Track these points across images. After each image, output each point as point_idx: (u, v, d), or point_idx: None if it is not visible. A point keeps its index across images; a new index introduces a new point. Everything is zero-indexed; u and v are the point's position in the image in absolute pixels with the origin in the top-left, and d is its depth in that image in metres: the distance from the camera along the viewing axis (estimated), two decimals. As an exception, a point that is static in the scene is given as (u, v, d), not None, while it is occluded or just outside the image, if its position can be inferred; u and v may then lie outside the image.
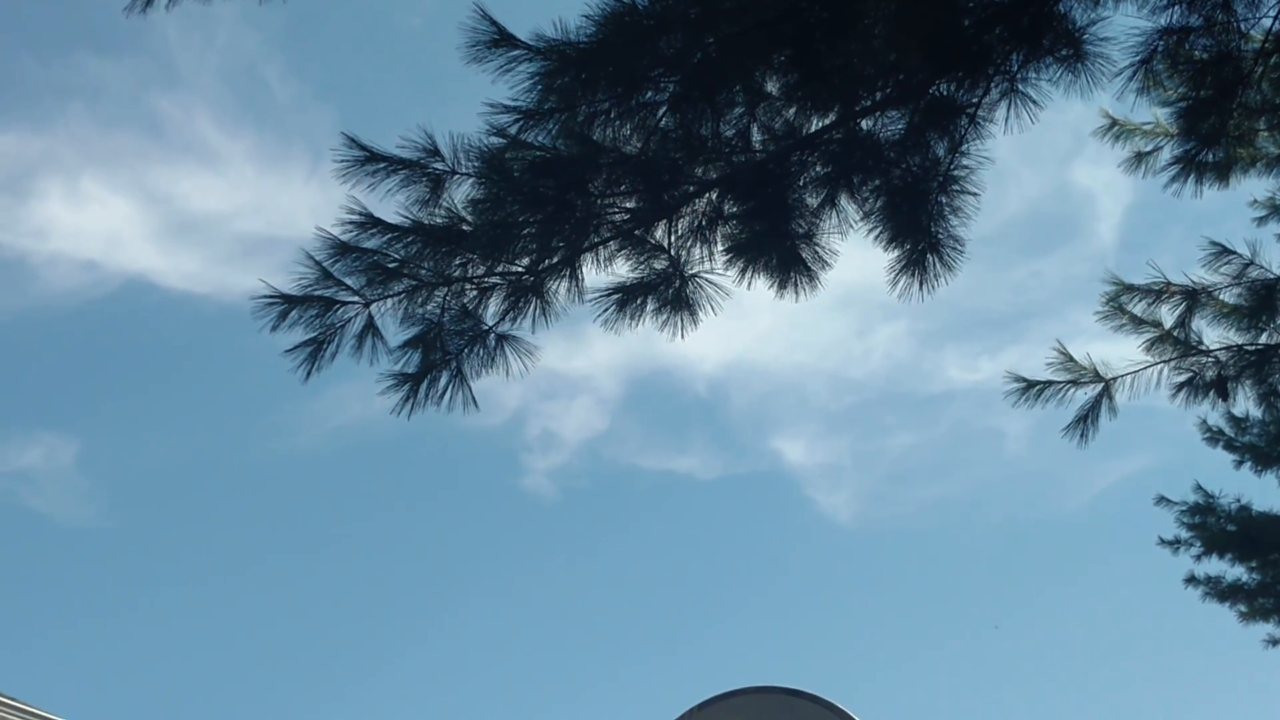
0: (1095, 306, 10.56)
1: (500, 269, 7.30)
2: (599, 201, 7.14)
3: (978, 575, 41.46)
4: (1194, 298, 10.32)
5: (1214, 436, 16.59)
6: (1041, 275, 37.95)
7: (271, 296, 7.23)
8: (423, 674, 37.37)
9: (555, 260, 7.26)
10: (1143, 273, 10.43)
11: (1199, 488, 16.97)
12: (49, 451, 36.78)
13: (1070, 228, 37.61)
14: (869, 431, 41.84)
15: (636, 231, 7.27)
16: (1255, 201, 11.11)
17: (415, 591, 39.58)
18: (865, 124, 7.13)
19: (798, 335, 38.96)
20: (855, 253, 7.53)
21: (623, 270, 7.38)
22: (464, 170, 7.00)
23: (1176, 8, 6.64)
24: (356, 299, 7.29)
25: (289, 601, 38.26)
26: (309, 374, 7.34)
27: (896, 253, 7.37)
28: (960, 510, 41.02)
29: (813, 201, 7.26)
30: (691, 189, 7.18)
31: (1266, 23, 6.85)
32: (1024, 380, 10.34)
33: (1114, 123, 10.38)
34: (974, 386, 37.93)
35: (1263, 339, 10.30)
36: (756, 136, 7.14)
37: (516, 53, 6.69)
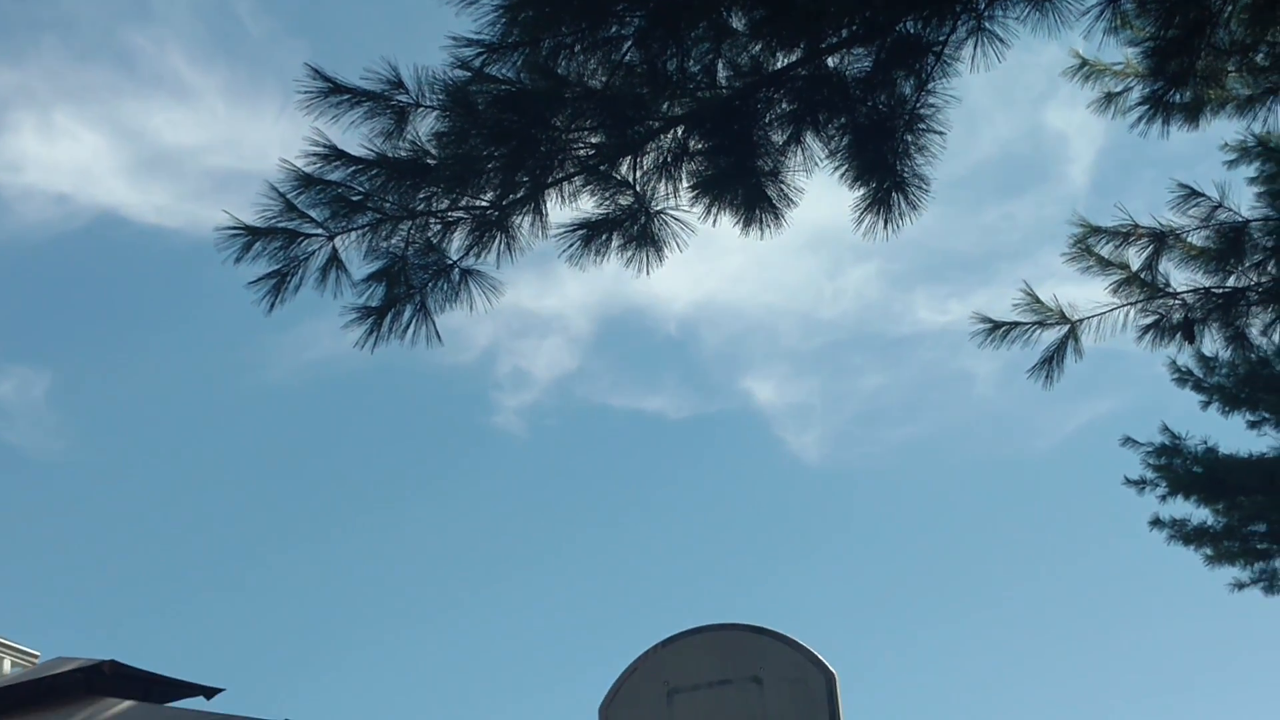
0: (1065, 249, 10.56)
1: (464, 203, 7.28)
2: (563, 136, 7.12)
3: (945, 515, 41.68)
4: (1162, 240, 10.32)
5: (1183, 377, 16.64)
6: (1013, 217, 38.01)
7: (235, 228, 7.21)
8: (388, 602, 37.49)
9: (519, 195, 7.24)
10: (1113, 215, 10.44)
11: (1166, 429, 17.01)
12: (21, 384, 36.73)
13: (1042, 170, 37.65)
14: (839, 372, 41.96)
15: (601, 167, 7.26)
16: (1226, 145, 11.10)
17: (384, 526, 39.66)
18: (831, 61, 7.11)
19: (769, 276, 39.00)
20: (826, 193, 7.52)
21: (588, 206, 7.38)
22: (428, 103, 6.97)
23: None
24: (320, 232, 7.26)
25: (256, 534, 38.32)
26: (272, 306, 7.34)
27: (862, 191, 7.37)
28: (928, 451, 41.19)
29: (778, 139, 7.25)
30: (657, 125, 7.16)
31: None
32: (990, 321, 10.33)
33: (1084, 63, 10.35)
34: (944, 328, 38.04)
35: (1230, 282, 10.32)
36: (722, 73, 7.12)
37: (481, -15, 6.65)
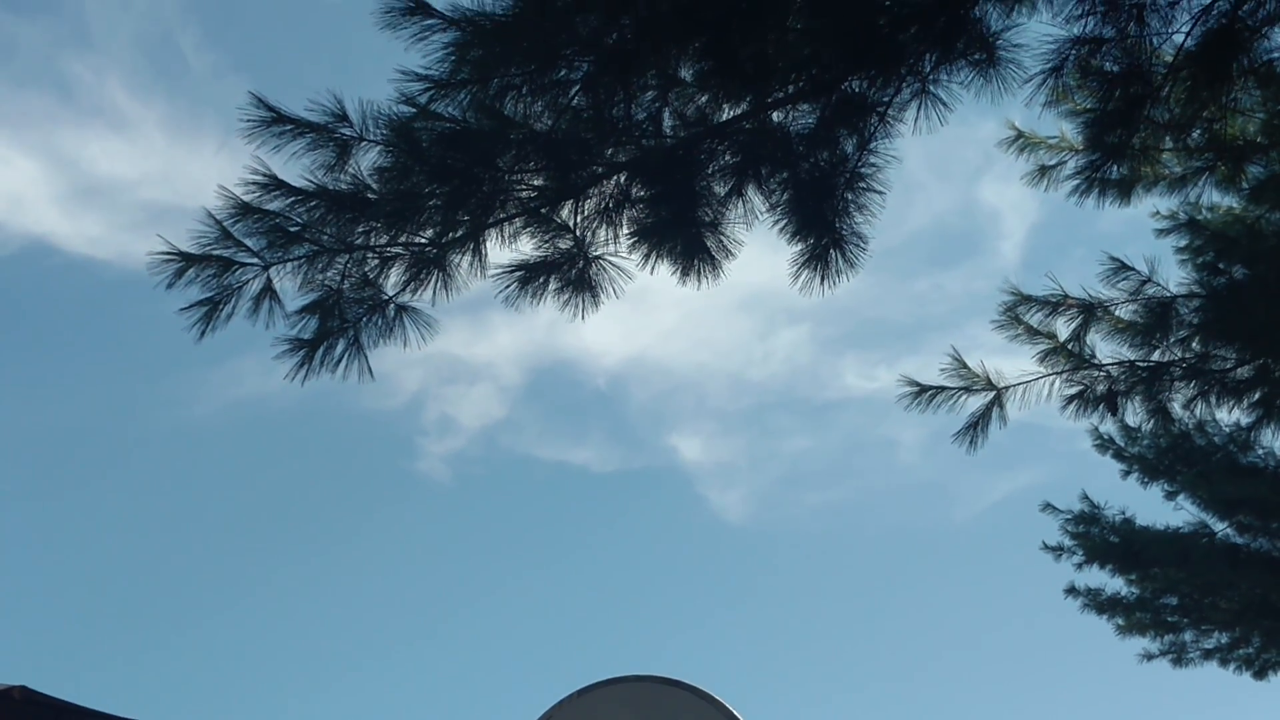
0: (995, 317, 10.66)
1: (403, 239, 7.25)
2: (506, 177, 7.11)
3: (863, 579, 41.84)
4: (1090, 312, 10.44)
5: (1104, 444, 16.75)
6: (943, 289, 38.35)
7: (169, 253, 7.14)
8: (304, 643, 37.15)
9: (459, 234, 7.22)
10: (1044, 286, 10.55)
11: (1085, 497, 17.12)
12: (-63, 409, 36.15)
13: (974, 243, 38.06)
14: (765, 433, 42.09)
15: (543, 210, 7.25)
16: (1157, 214, 11.25)
17: (304, 568, 39.36)
18: (776, 116, 7.14)
19: (700, 334, 39.15)
20: (761, 256, 7.54)
21: (527, 248, 7.37)
22: (372, 137, 6.93)
23: (1091, 18, 6.68)
24: (256, 261, 7.20)
25: (174, 568, 37.90)
26: (203, 334, 7.25)
27: (800, 246, 7.40)
28: (850, 515, 41.37)
29: (720, 190, 7.27)
30: (600, 170, 7.16)
31: (1179, 38, 6.93)
32: (918, 385, 10.39)
33: (1019, 135, 10.47)
34: (870, 395, 38.30)
35: (1155, 356, 10.44)
36: (668, 121, 7.13)
37: (431, 21, 6.65)
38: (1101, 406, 10.57)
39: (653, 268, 7.36)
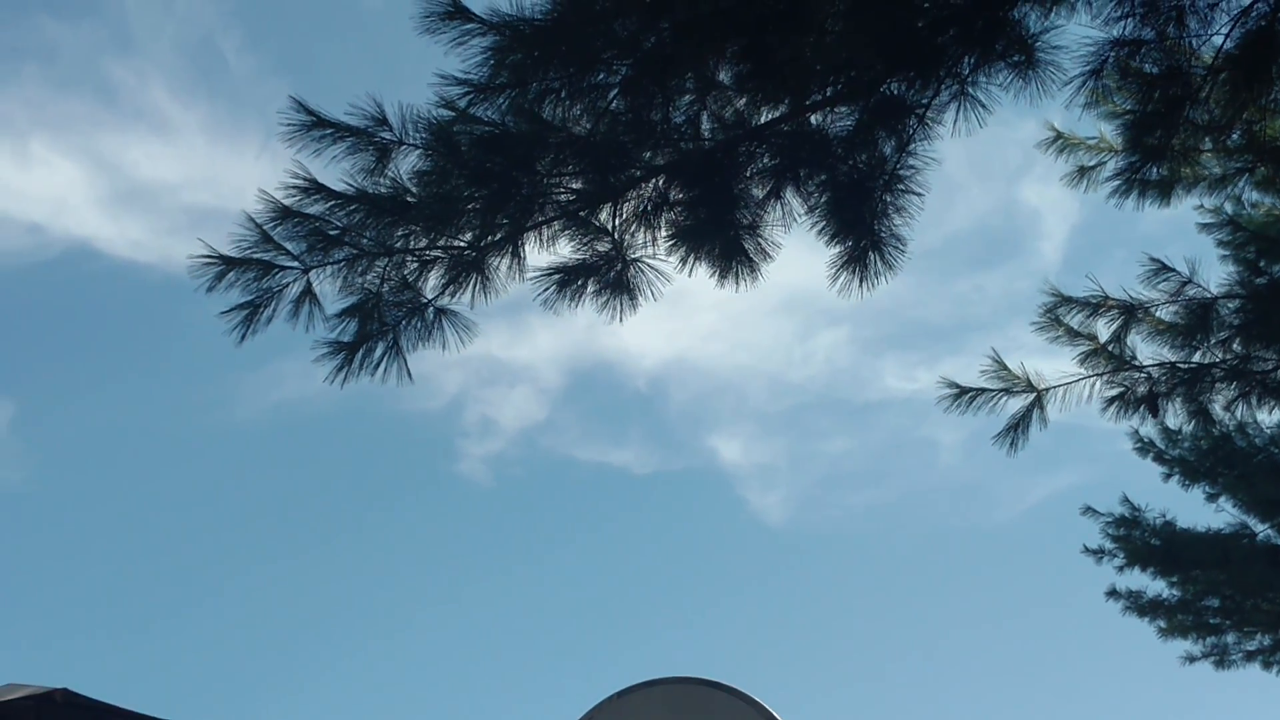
0: (1035, 319, 10.63)
1: (442, 242, 7.27)
2: (545, 180, 7.12)
3: (904, 581, 41.70)
4: (1131, 313, 10.40)
5: (1144, 447, 16.72)
6: (983, 290, 38.17)
7: (210, 257, 7.17)
8: (345, 643, 37.25)
9: (498, 237, 7.24)
10: (1084, 287, 10.52)
11: (1126, 500, 17.09)
12: (-18, 412, 36.38)
13: (1015, 244, 37.87)
14: (805, 435, 41.94)
15: (581, 213, 7.26)
16: (1200, 207, 11.19)
17: (345, 568, 39.43)
18: (815, 118, 7.14)
19: (740, 335, 39.06)
20: (800, 256, 7.52)
21: (565, 251, 7.38)
22: (411, 141, 6.96)
23: (1130, 20, 6.66)
24: (296, 264, 7.23)
25: (216, 569, 38.05)
26: (244, 337, 7.29)
27: (839, 249, 7.39)
28: (890, 517, 41.19)
29: (758, 193, 7.27)
30: (638, 173, 7.16)
31: (1218, 40, 6.89)
32: (958, 386, 10.39)
33: (1059, 136, 10.43)
34: (911, 396, 38.11)
35: (1196, 357, 10.39)
36: (706, 125, 7.14)
37: (470, 26, 6.66)
38: (1142, 408, 10.53)
39: (691, 270, 7.37)
